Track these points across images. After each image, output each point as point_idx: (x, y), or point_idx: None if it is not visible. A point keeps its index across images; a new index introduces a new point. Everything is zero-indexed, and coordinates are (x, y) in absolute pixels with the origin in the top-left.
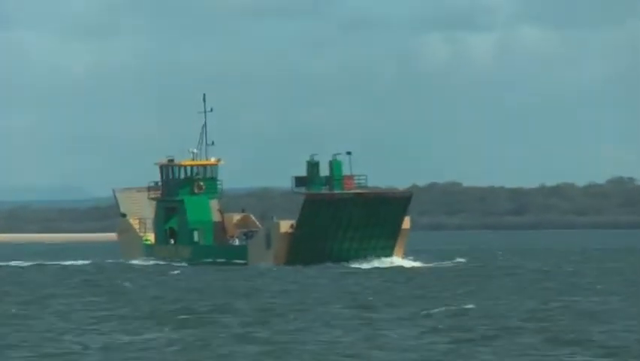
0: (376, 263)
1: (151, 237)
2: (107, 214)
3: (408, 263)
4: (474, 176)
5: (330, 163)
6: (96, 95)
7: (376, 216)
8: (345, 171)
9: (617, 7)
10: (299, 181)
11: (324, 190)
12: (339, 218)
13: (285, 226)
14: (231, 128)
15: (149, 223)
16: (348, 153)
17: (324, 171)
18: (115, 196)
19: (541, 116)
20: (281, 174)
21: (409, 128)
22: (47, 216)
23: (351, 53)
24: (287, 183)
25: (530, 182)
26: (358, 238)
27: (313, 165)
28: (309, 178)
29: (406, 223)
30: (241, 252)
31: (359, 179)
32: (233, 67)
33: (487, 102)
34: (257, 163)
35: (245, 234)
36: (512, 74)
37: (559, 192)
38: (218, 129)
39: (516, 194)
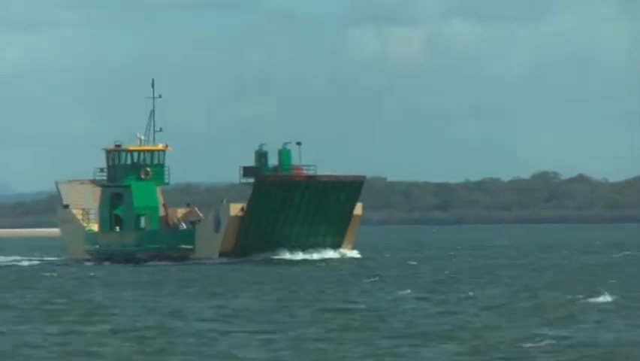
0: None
1: (94, 227)
2: (33, 210)
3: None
4: (399, 171)
5: (280, 152)
6: (21, 91)
7: (327, 200)
8: (295, 162)
9: (544, 3)
10: (247, 171)
11: None
12: (290, 201)
13: (236, 208)
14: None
15: (93, 214)
16: (298, 144)
17: (272, 162)
18: (57, 188)
19: (466, 110)
20: (206, 170)
21: (334, 123)
22: None
23: (280, 47)
24: (211, 179)
25: (455, 177)
26: (309, 223)
27: (262, 155)
28: (258, 168)
29: (358, 209)
30: (188, 236)
31: (308, 169)
32: (163, 60)
33: (413, 96)
34: (181, 159)
35: (191, 222)
36: (439, 68)
37: (483, 186)
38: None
39: (441, 189)
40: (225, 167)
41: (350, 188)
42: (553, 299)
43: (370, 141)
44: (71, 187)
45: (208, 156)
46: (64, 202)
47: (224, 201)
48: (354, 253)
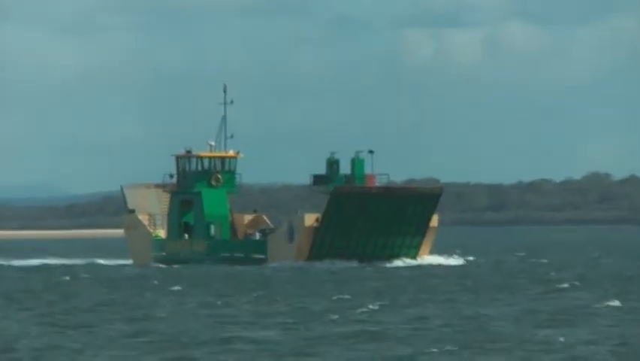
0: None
1: (161, 233)
2: (86, 211)
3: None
4: (452, 172)
5: (352, 161)
6: (78, 96)
7: (404, 212)
8: (367, 170)
9: (603, 4)
10: (318, 179)
11: None
12: (365, 213)
13: (311, 219)
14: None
15: (159, 220)
16: (371, 152)
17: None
18: (122, 192)
19: (521, 112)
20: (256, 171)
21: (387, 125)
22: (27, 214)
23: (337, 52)
24: (261, 179)
25: (508, 178)
26: (385, 235)
27: (333, 163)
28: (329, 176)
29: (434, 221)
30: (260, 246)
31: (381, 178)
32: (222, 65)
33: (467, 99)
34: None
35: (261, 231)
36: (495, 71)
37: (535, 188)
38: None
39: (493, 190)
40: (280, 167)
41: (427, 200)
42: None
43: (423, 142)
44: (137, 191)
45: (265, 158)
46: (130, 207)
47: (299, 211)
48: (455, 260)
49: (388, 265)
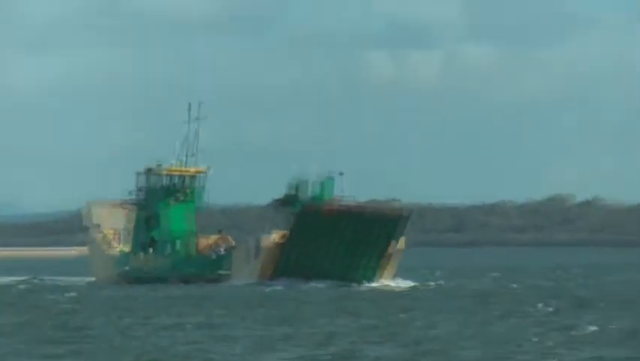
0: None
1: (126, 249)
2: (50, 229)
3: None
4: (413, 193)
5: (322, 183)
6: (35, 110)
7: (370, 234)
8: (336, 192)
9: (560, 26)
10: (284, 200)
11: None
12: (332, 233)
13: (277, 235)
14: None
15: (124, 235)
16: (341, 174)
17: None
18: (87, 208)
19: (482, 133)
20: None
21: (349, 145)
22: None
23: (297, 70)
24: (220, 199)
25: (469, 199)
26: (350, 254)
27: (300, 184)
28: (296, 196)
29: (401, 243)
30: (225, 262)
31: (348, 200)
32: (185, 82)
33: (428, 119)
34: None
35: (226, 250)
36: (455, 91)
37: (497, 209)
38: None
39: (455, 212)
40: (241, 187)
41: (395, 222)
42: None
43: (385, 163)
44: (102, 207)
45: (226, 177)
46: (95, 222)
47: (267, 227)
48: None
49: (357, 286)
